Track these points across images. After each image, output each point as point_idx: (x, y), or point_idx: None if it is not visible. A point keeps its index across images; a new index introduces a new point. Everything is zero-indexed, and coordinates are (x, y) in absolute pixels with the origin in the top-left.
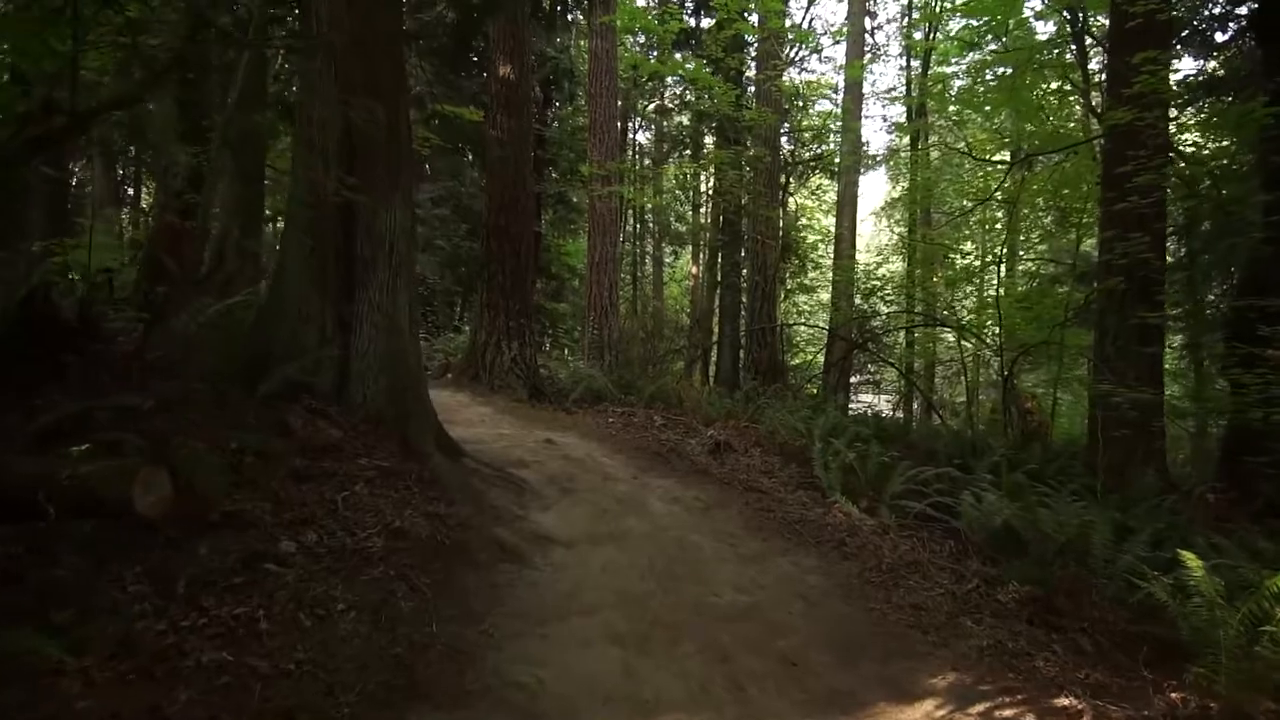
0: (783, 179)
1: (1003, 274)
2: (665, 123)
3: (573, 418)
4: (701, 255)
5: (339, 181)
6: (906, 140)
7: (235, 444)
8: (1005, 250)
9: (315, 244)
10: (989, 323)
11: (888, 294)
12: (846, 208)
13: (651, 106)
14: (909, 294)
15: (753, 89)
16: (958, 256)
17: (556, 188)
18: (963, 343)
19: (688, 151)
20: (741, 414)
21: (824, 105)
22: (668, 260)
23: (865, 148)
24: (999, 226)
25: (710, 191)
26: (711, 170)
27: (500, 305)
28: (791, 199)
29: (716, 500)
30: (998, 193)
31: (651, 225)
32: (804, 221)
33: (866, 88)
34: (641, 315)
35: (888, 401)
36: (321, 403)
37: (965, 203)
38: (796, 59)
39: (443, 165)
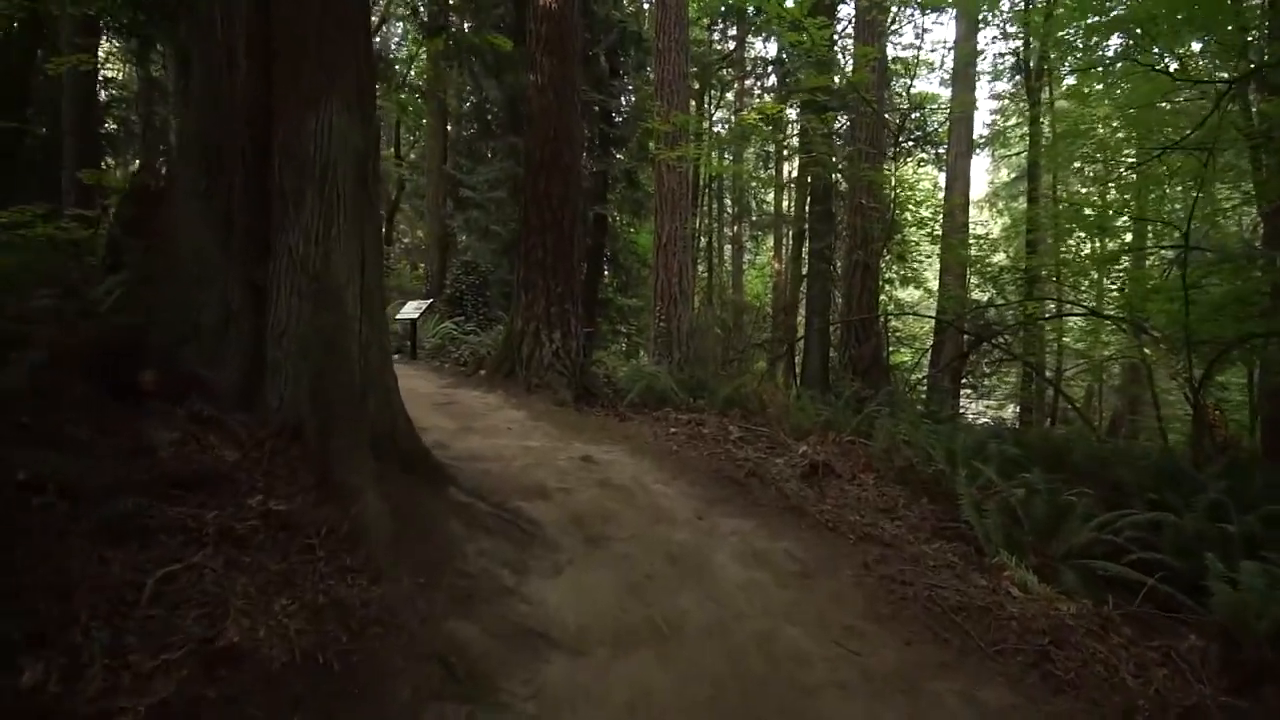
0: (889, 136)
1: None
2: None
3: (625, 426)
4: (784, 245)
5: (250, 81)
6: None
7: (24, 474)
8: (1191, 218)
9: (214, 176)
10: (1157, 311)
11: (1010, 280)
12: (957, 182)
13: (730, 94)
14: (1056, 276)
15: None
16: (1105, 229)
17: (624, 166)
18: (1102, 337)
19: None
20: (843, 425)
21: (921, 86)
22: (748, 247)
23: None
24: (1179, 188)
25: (793, 174)
26: (795, 138)
27: (540, 286)
28: (896, 168)
29: (819, 558)
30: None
31: (730, 206)
32: (904, 195)
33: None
34: (717, 306)
35: (989, 407)
36: (221, 406)
37: (1123, 162)
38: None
39: (500, 145)
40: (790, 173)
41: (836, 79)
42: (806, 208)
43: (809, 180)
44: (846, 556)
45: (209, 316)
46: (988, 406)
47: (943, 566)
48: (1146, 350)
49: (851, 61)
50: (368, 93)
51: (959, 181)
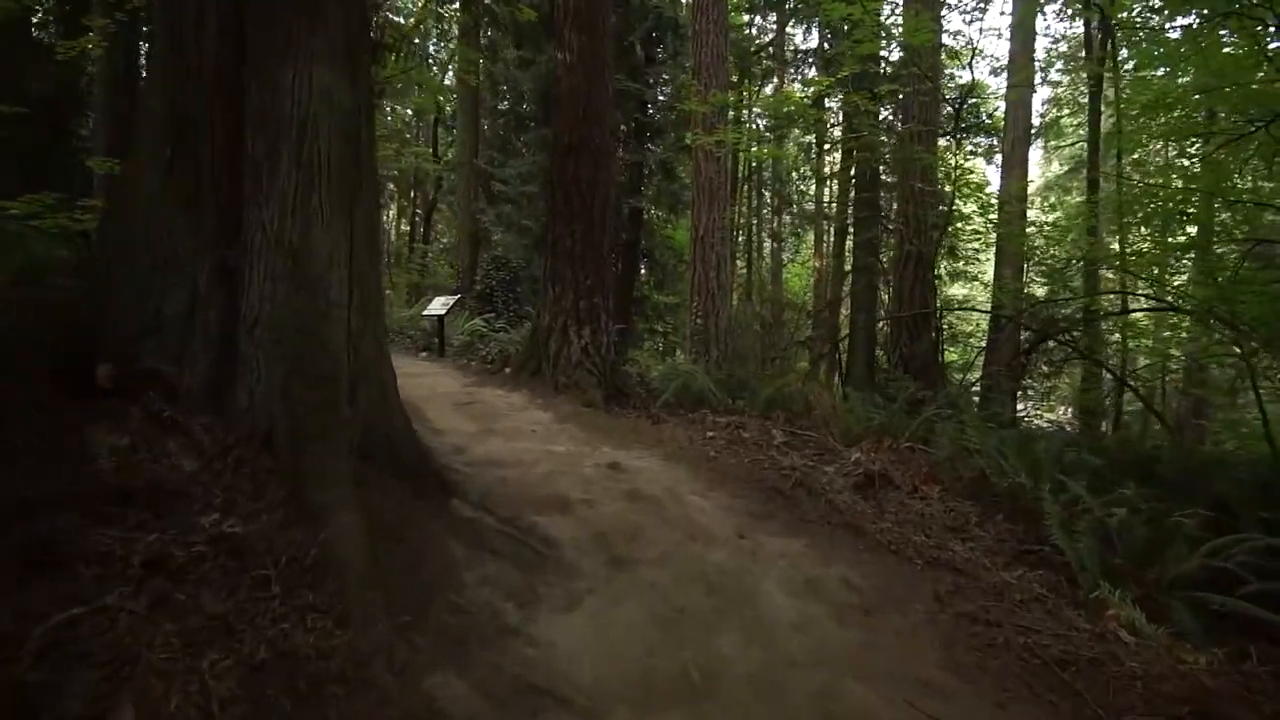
0: (946, 116)
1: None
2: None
3: (659, 429)
4: (825, 242)
5: (221, 39)
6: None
7: None
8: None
9: (181, 148)
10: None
11: (1076, 272)
12: (1015, 170)
13: (768, 88)
14: (1123, 267)
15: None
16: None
17: (660, 157)
18: (1173, 334)
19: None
20: (900, 430)
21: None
22: (788, 244)
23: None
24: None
25: (834, 167)
26: (838, 129)
27: (568, 278)
28: (956, 151)
29: (882, 588)
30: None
31: (770, 198)
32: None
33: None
34: (756, 302)
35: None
36: (185, 407)
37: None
38: None
39: (532, 138)
40: (832, 166)
41: (890, 49)
42: (850, 199)
43: (853, 169)
44: (914, 586)
45: (174, 304)
46: (1036, 410)
47: (1031, 600)
48: (1236, 347)
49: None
50: (359, 45)
51: (1017, 169)
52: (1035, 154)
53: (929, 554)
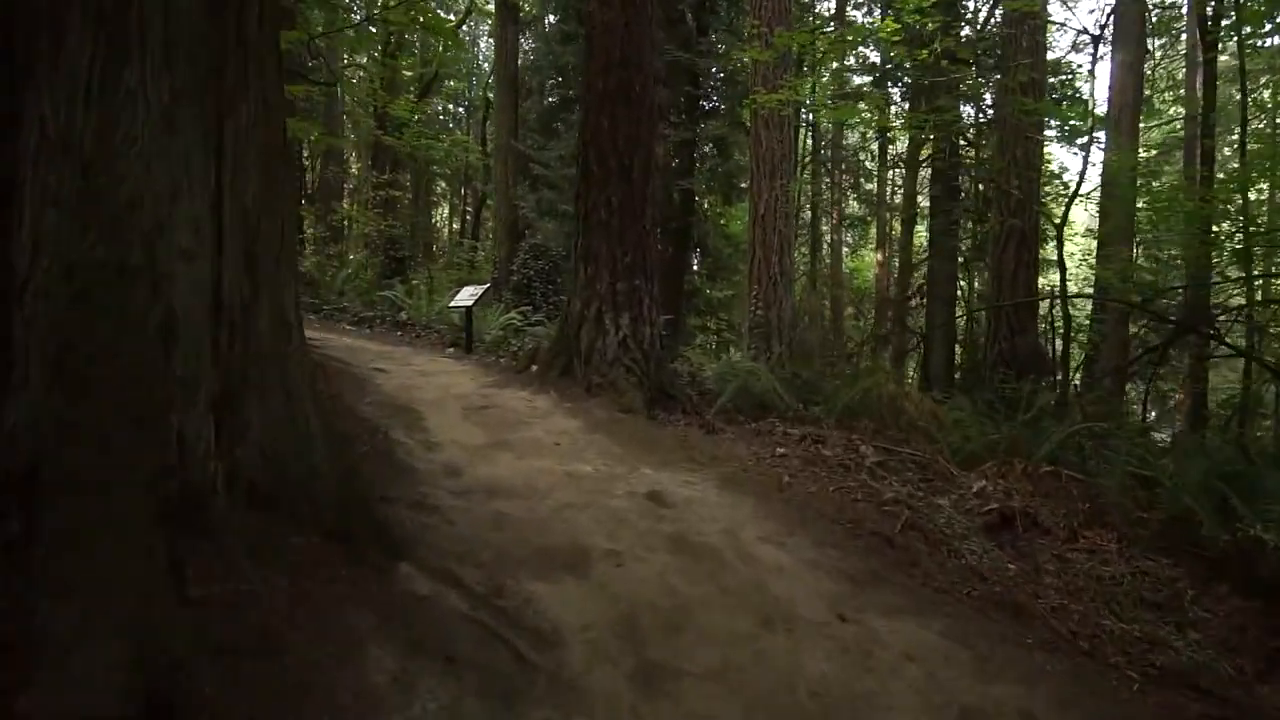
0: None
1: None
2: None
3: (715, 443)
4: (890, 235)
5: None
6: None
7: None
8: None
9: None
10: None
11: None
12: (1125, 139)
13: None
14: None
15: None
16: None
17: (714, 134)
18: None
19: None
20: (1032, 449)
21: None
22: (851, 229)
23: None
24: None
25: (901, 154)
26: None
27: (602, 256)
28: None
29: None
30: None
31: (829, 168)
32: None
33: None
34: (825, 291)
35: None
36: None
37: None
38: None
39: (571, 117)
40: (896, 157)
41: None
42: (927, 184)
43: (923, 150)
44: None
45: None
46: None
47: None
48: None
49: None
50: None
51: (1126, 138)
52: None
53: (1140, 656)
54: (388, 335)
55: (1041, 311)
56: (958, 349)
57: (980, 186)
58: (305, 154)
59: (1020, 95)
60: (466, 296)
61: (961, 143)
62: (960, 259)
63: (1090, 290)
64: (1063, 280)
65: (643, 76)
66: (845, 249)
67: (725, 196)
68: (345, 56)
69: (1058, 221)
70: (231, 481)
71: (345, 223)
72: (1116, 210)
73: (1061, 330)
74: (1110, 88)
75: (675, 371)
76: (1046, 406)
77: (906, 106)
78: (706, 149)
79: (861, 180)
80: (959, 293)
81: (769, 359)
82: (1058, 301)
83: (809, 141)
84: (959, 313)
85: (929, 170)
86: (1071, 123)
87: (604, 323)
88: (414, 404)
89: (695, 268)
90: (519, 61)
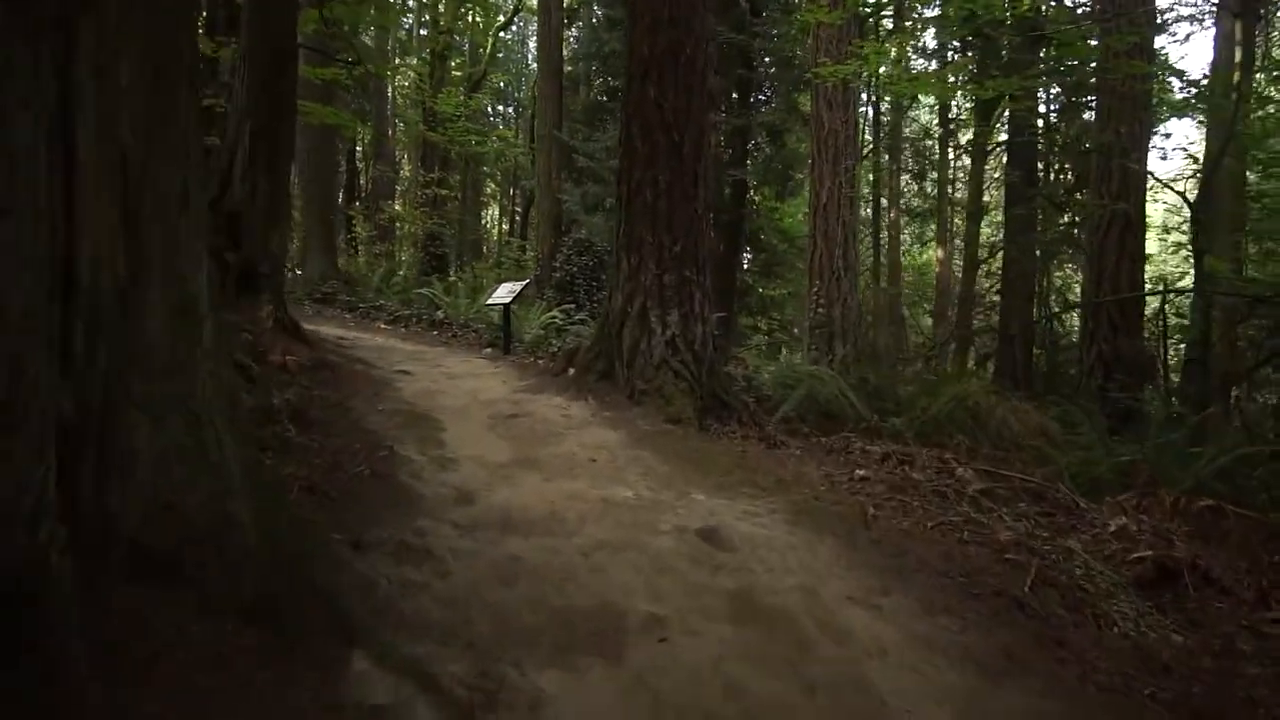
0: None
1: None
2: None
3: (779, 460)
4: (952, 232)
5: None
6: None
7: None
8: None
9: None
10: None
11: None
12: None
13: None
14: None
15: None
16: None
17: (768, 121)
18: None
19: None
20: (1179, 476)
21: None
22: (913, 223)
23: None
24: None
25: (967, 145)
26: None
27: (647, 244)
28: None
29: None
30: None
31: (887, 156)
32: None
33: None
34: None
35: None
36: None
37: None
38: None
39: (618, 106)
40: (956, 147)
41: None
42: (996, 173)
43: (1009, 123)
44: None
45: None
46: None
47: None
48: None
49: None
50: None
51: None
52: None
53: None
54: (423, 335)
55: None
56: (1035, 351)
57: (1065, 171)
58: (359, 155)
59: (1125, 57)
60: (504, 293)
61: (1041, 124)
62: (1036, 251)
63: (1181, 284)
64: (1141, 274)
65: (694, 38)
66: (904, 242)
67: (780, 188)
68: (396, 58)
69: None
70: (97, 545)
71: (395, 223)
72: (1224, 192)
73: (1160, 331)
74: (1216, 56)
75: (730, 376)
76: (1186, 420)
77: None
78: (759, 138)
79: (927, 167)
80: (1036, 289)
81: (831, 361)
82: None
83: (869, 126)
84: (1040, 311)
85: (1001, 157)
86: (1187, 91)
87: (649, 320)
88: (434, 412)
89: (747, 264)
90: (564, 52)
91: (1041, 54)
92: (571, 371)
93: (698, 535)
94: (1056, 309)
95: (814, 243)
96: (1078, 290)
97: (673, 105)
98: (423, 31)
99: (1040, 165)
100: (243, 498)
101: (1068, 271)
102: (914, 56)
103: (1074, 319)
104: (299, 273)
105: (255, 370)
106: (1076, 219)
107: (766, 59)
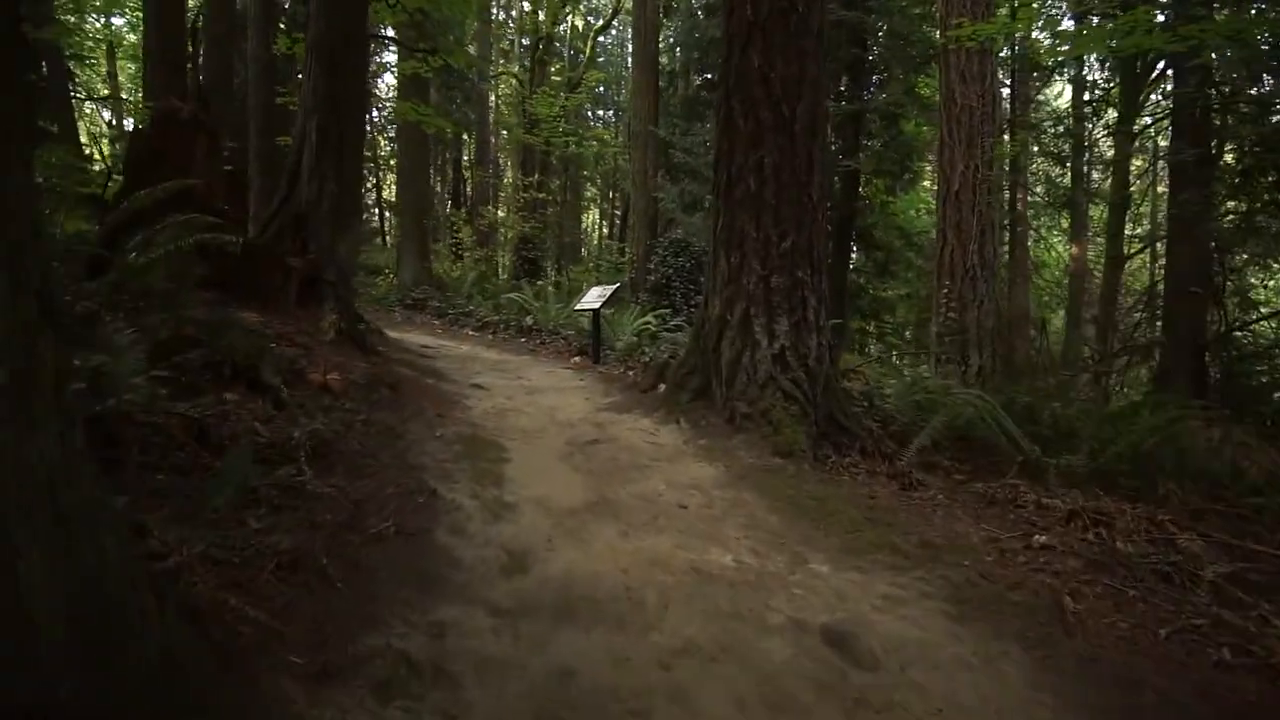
0: None
1: None
2: None
3: (920, 510)
4: (1092, 225)
5: None
6: None
7: None
8: None
9: None
10: None
11: None
12: None
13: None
14: None
15: None
16: None
17: (882, 105)
18: None
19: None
20: None
21: None
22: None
23: None
24: None
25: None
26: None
27: (750, 240)
28: None
29: None
30: None
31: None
32: None
33: None
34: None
35: None
36: None
37: None
38: None
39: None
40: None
41: None
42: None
43: (1175, 100)
44: None
45: None
46: None
47: None
48: None
49: None
50: None
51: None
52: None
53: None
54: (509, 342)
55: None
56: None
57: (1249, 148)
58: (466, 162)
59: None
60: (594, 298)
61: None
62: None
63: None
64: None
65: None
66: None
67: (895, 180)
68: (500, 63)
69: None
70: None
71: (494, 228)
72: None
73: None
74: None
75: (848, 394)
76: None
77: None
78: (872, 125)
79: (1066, 150)
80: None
81: (965, 374)
82: None
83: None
84: (1218, 314)
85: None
86: None
87: (753, 330)
88: (503, 436)
89: (857, 262)
90: (659, 43)
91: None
92: (662, 388)
93: (823, 638)
94: (1237, 312)
95: (943, 237)
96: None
97: (781, 75)
98: (524, 41)
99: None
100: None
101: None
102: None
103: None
104: (393, 279)
105: (284, 394)
106: (1259, 204)
107: (880, 36)
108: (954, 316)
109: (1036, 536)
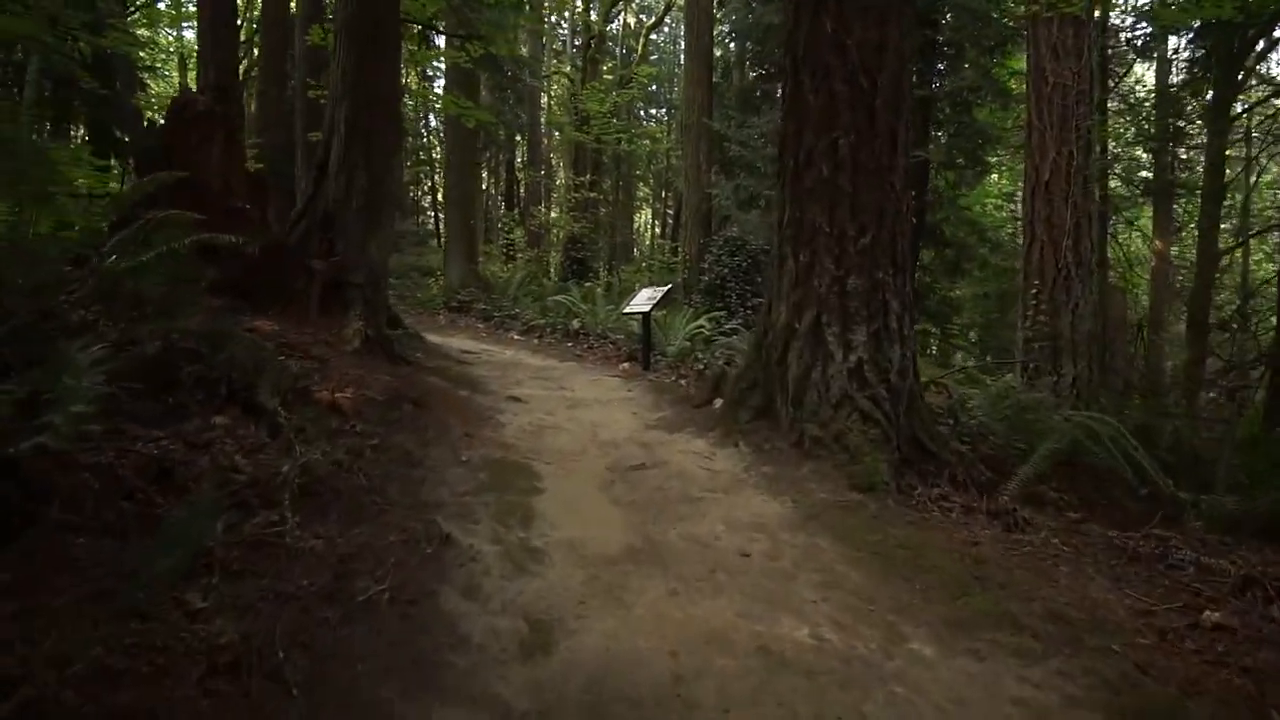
0: None
1: None
2: None
3: (1035, 564)
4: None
5: None
6: None
7: None
8: None
9: None
10: None
11: None
12: None
13: None
14: None
15: None
16: None
17: (955, 90)
18: None
19: None
20: None
21: None
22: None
23: None
24: None
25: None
26: None
27: (823, 235)
28: None
29: None
30: None
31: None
32: None
33: None
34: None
35: None
36: None
37: None
38: None
39: (775, 89)
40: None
41: None
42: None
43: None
44: None
45: None
46: None
47: None
48: None
49: None
50: None
51: None
52: None
53: None
54: (555, 346)
55: None
56: None
57: None
58: (519, 162)
59: None
60: (643, 301)
61: None
62: None
63: None
64: None
65: None
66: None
67: (966, 171)
68: (552, 63)
69: None
70: None
71: (545, 228)
72: None
73: None
74: None
75: (932, 410)
76: None
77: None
78: (942, 112)
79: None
80: None
81: (1056, 384)
82: None
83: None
84: None
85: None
86: None
87: (825, 340)
88: (537, 460)
89: (925, 260)
90: (713, 33)
91: None
92: (718, 404)
93: None
94: None
95: (1031, 232)
96: None
97: (859, 40)
98: (577, 42)
99: None
100: None
101: None
102: None
103: None
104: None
105: (282, 418)
106: None
107: (950, 15)
108: (1045, 320)
109: (1206, 613)
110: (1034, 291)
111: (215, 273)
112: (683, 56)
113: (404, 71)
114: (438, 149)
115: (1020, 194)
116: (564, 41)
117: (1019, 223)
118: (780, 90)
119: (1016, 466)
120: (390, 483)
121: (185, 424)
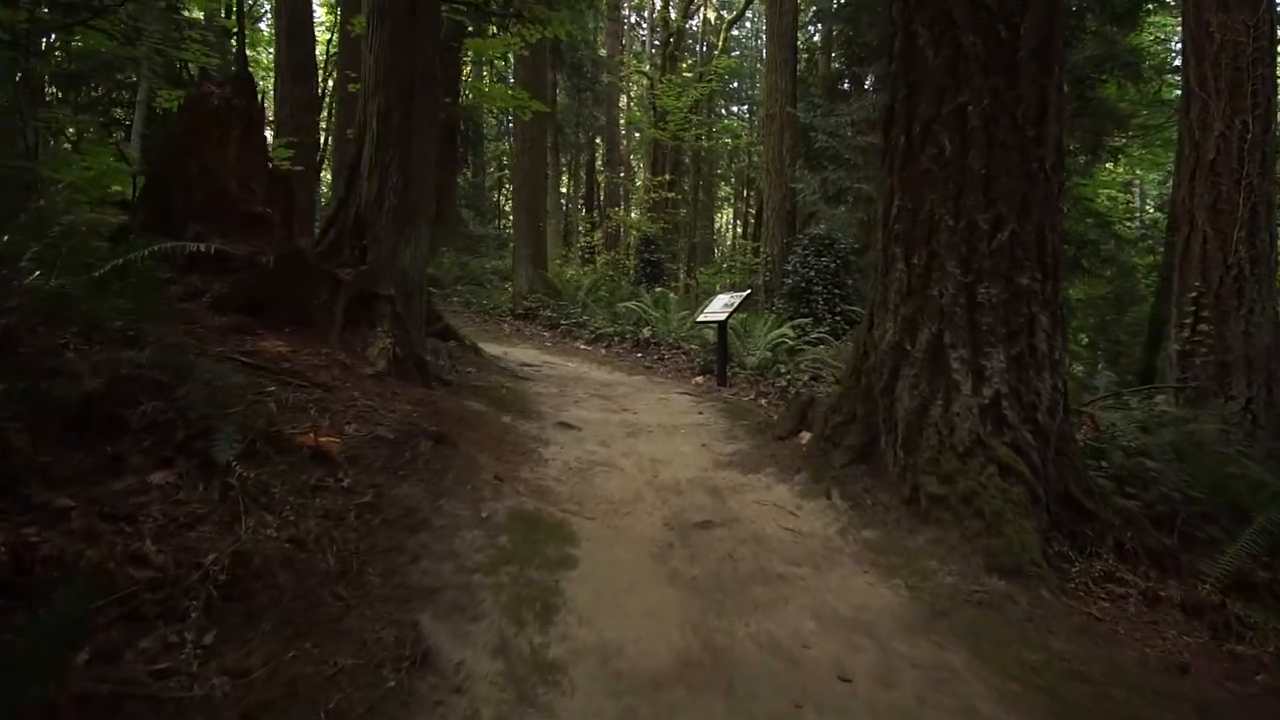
0: None
1: None
2: None
3: (1276, 699)
4: None
5: None
6: None
7: None
8: None
9: None
10: None
11: None
12: None
13: None
14: None
15: None
16: None
17: (1077, 57)
18: None
19: None
20: None
21: None
22: None
23: None
24: None
25: None
26: None
27: (944, 229)
28: None
29: None
30: None
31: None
32: None
33: None
34: None
35: None
36: None
37: None
38: None
39: (877, 70)
40: None
41: None
42: None
43: None
44: None
45: None
46: None
47: None
48: None
49: None
50: None
51: None
52: None
53: None
54: (624, 356)
55: None
56: None
57: None
58: (600, 164)
59: None
60: (719, 307)
61: None
62: None
63: None
64: None
65: None
66: None
67: (1089, 156)
68: (631, 62)
69: None
70: None
71: (621, 229)
72: None
73: None
74: None
75: (1080, 450)
76: None
77: None
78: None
79: None
80: None
81: (1223, 408)
82: None
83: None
84: None
85: None
86: None
87: (948, 365)
88: (578, 513)
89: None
90: (797, 14)
91: None
92: (806, 437)
93: None
94: None
95: (1188, 221)
96: None
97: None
98: (656, 41)
99: None
100: None
101: None
102: None
103: None
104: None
105: (235, 476)
106: None
107: None
108: (1208, 330)
109: None
110: (1194, 294)
111: (223, 286)
112: (764, 45)
113: (466, 68)
114: (511, 151)
115: (1138, 182)
116: (643, 42)
117: (1138, 214)
118: (885, 55)
119: (1198, 527)
120: (372, 561)
121: (112, 483)
